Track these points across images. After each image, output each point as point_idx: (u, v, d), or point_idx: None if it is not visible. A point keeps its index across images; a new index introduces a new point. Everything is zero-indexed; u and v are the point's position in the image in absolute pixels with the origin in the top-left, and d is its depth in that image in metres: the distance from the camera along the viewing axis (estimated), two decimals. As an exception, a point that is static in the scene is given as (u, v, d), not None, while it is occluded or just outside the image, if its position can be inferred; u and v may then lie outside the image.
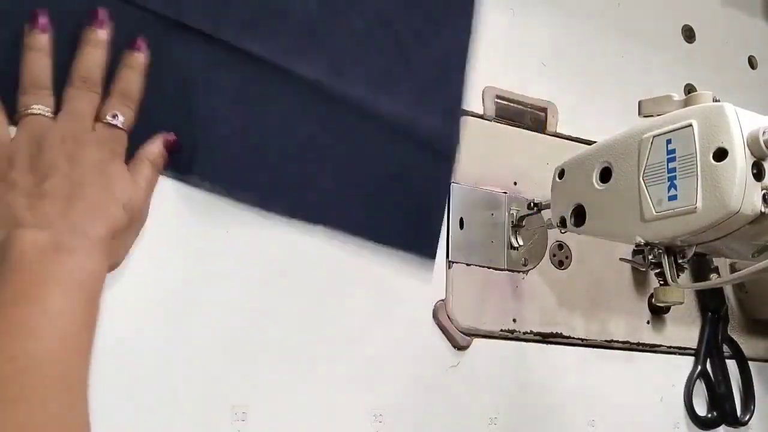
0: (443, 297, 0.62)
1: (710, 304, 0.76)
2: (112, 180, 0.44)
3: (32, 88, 0.46)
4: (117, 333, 0.48)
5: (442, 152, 0.63)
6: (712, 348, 0.76)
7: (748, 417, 0.75)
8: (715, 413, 0.74)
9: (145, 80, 0.50)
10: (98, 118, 0.47)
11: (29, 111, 0.45)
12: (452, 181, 0.64)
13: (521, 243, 0.66)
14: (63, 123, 0.45)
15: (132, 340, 0.50)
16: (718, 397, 0.74)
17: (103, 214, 0.43)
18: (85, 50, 0.48)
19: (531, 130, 0.70)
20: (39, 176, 0.42)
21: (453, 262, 0.63)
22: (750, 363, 0.77)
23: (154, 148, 0.50)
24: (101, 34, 0.48)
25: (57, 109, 0.46)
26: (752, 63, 0.90)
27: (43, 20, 0.47)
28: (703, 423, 0.73)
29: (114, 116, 0.47)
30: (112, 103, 0.48)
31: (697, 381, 0.74)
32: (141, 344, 0.50)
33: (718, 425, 0.74)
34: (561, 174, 0.58)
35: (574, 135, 0.73)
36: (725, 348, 0.76)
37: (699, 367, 0.74)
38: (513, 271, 0.66)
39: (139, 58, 0.50)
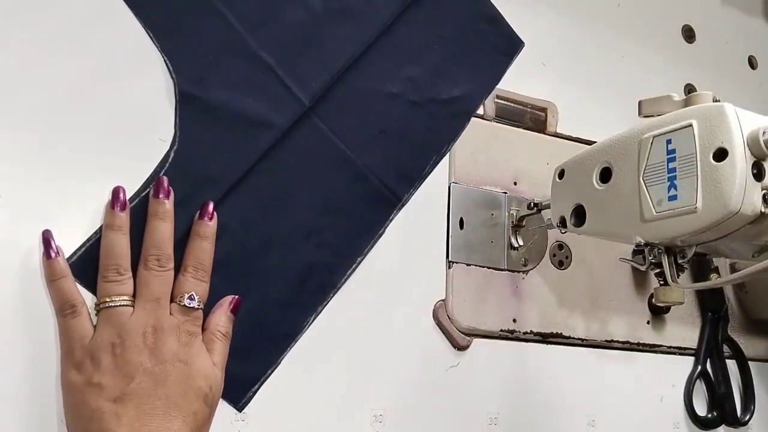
0: (443, 297, 0.62)
1: (710, 304, 0.76)
2: (192, 369, 0.46)
3: (112, 273, 0.46)
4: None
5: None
6: (712, 348, 0.76)
7: (748, 417, 0.75)
8: (715, 413, 0.74)
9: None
10: (174, 297, 0.48)
11: (109, 304, 0.46)
12: (452, 181, 0.64)
13: (521, 243, 0.66)
14: (142, 314, 0.46)
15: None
16: (718, 397, 0.74)
17: (184, 412, 0.44)
18: (153, 224, 0.48)
19: (531, 130, 0.70)
20: (123, 377, 0.43)
21: (453, 262, 0.63)
22: (750, 363, 0.77)
23: (223, 318, 0.50)
24: (168, 205, 0.49)
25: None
26: (752, 63, 0.90)
27: (123, 198, 0.48)
28: (703, 423, 0.73)
29: (190, 298, 0.47)
30: (187, 282, 0.48)
31: (697, 381, 0.74)
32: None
33: (718, 425, 0.74)
34: (561, 174, 0.58)
35: (574, 135, 0.73)
36: (725, 348, 0.76)
37: (699, 367, 0.74)
38: (513, 271, 0.66)
39: (211, 227, 0.50)
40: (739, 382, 0.76)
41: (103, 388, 0.43)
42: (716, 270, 0.74)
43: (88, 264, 0.48)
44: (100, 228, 0.49)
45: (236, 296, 0.51)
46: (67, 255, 0.47)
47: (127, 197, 0.49)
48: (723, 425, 0.74)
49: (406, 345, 0.60)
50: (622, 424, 0.69)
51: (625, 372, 0.70)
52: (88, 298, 0.47)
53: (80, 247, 0.48)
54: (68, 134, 0.50)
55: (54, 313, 0.46)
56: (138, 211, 0.50)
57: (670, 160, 0.48)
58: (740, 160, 0.44)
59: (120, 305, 0.45)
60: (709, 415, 0.74)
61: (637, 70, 0.79)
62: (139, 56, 0.53)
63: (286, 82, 0.58)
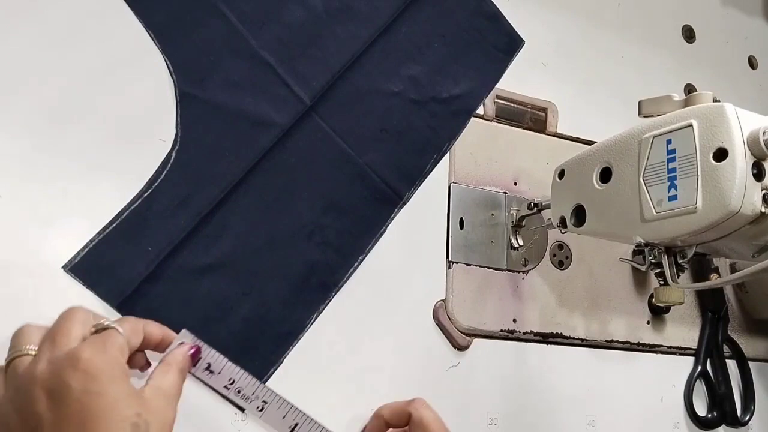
0: (443, 297, 0.62)
1: (710, 304, 0.76)
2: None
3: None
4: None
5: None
6: (712, 348, 0.75)
7: (748, 417, 0.75)
8: (715, 413, 0.74)
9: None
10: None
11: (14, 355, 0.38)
12: (452, 181, 0.64)
13: (521, 243, 0.66)
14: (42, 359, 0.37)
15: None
16: (718, 397, 0.74)
17: None
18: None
19: (531, 130, 0.70)
20: None
21: (453, 262, 0.63)
22: (750, 363, 0.77)
23: (182, 353, 0.43)
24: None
25: None
26: (752, 63, 0.90)
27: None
28: (703, 423, 0.73)
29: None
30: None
31: (697, 381, 0.74)
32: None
33: (718, 425, 0.74)
34: (561, 174, 0.58)
35: (574, 135, 0.73)
36: (725, 348, 0.76)
37: (699, 367, 0.74)
38: (513, 271, 0.66)
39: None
40: (739, 382, 0.76)
41: None
42: (716, 270, 0.74)
43: (90, 265, 0.48)
44: (102, 229, 0.49)
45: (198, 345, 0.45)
46: (69, 256, 0.47)
47: (130, 199, 0.49)
48: (723, 425, 0.74)
49: (406, 345, 0.60)
50: (622, 424, 0.69)
51: (625, 372, 0.70)
52: (89, 297, 0.47)
53: (83, 248, 0.48)
54: (69, 135, 0.50)
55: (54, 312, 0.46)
56: (140, 212, 0.50)
57: (670, 160, 0.48)
58: (740, 160, 0.44)
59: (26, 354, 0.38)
60: (709, 415, 0.74)
61: (637, 70, 0.79)
62: (139, 56, 0.53)
63: (287, 81, 0.58)
